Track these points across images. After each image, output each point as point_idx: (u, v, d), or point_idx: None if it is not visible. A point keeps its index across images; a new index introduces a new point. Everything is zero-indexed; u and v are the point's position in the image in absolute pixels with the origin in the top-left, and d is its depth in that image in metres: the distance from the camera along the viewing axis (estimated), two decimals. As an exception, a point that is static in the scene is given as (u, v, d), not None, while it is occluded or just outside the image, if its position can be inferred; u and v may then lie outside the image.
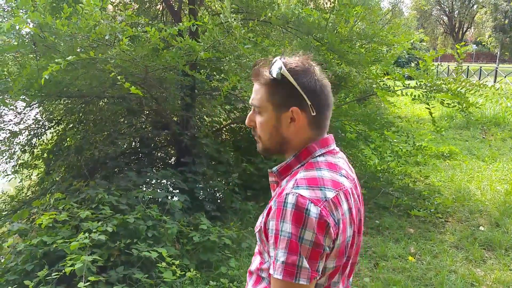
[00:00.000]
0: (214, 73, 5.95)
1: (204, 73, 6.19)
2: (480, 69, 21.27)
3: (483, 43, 38.31)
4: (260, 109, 1.10)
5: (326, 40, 5.13)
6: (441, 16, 39.51)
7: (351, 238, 1.03)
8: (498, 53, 31.42)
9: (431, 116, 4.95)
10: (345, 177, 1.06)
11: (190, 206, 4.40)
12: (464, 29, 38.24)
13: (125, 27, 3.07)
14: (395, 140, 5.22)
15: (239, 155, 5.38)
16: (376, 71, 5.74)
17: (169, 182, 4.53)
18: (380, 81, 5.39)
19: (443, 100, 4.88)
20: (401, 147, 5.56)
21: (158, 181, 4.46)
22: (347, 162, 1.16)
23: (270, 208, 1.02)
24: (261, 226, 1.06)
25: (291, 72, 1.04)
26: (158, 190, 4.13)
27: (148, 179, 4.42)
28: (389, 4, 27.84)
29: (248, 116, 1.16)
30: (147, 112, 5.52)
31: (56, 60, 2.67)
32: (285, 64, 1.05)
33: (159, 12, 6.68)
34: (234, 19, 2.99)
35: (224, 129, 6.55)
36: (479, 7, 35.27)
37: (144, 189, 4.35)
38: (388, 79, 5.77)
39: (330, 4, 6.72)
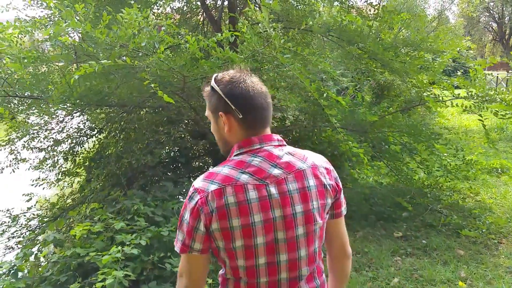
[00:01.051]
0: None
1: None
2: (534, 78, 20.08)
3: (537, 51, 36.28)
4: (208, 117, 1.32)
5: (369, 48, 4.91)
6: (490, 23, 37.79)
7: (245, 228, 1.14)
8: (554, 60, 29.54)
9: (484, 128, 4.62)
10: (250, 174, 1.18)
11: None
12: (515, 36, 36.36)
13: (164, 36, 3.02)
14: (445, 154, 4.89)
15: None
16: (423, 80, 5.44)
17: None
18: (429, 91, 5.10)
19: (497, 111, 4.54)
20: (449, 161, 5.21)
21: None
22: (276, 160, 1.22)
23: None
24: None
25: (217, 82, 1.25)
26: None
27: (184, 190, 4.36)
28: (435, 11, 26.90)
29: None
30: (186, 121, 5.49)
31: (89, 62, 2.64)
32: (215, 77, 1.27)
33: (200, 22, 6.69)
34: (273, 29, 2.88)
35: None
36: (532, 12, 33.52)
37: (181, 199, 4.30)
38: (435, 88, 5.45)
39: (374, 11, 6.48)
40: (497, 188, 6.14)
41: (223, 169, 1.19)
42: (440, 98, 5.30)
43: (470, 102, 4.67)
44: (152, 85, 2.84)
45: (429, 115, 11.48)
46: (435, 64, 5.46)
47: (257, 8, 5.48)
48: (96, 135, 6.15)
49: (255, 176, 1.18)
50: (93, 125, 6.08)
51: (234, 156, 1.24)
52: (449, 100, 4.94)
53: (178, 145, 5.38)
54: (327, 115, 5.83)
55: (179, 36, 4.84)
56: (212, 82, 1.25)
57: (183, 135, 5.71)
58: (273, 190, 1.18)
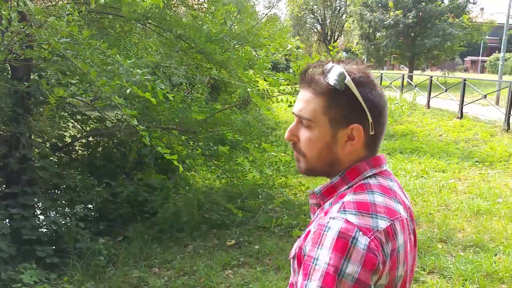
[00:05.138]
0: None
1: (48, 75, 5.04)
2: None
3: (353, 50, 41.65)
4: (310, 123, 0.90)
5: (193, 42, 4.47)
6: (315, 24, 41.85)
7: (402, 279, 0.85)
8: (365, 59, 34.26)
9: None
10: (401, 204, 0.89)
11: (15, 254, 3.32)
12: (336, 37, 41.05)
13: None
14: (273, 154, 4.72)
15: (90, 178, 4.37)
16: (251, 75, 5.23)
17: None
18: (255, 87, 4.89)
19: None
20: (280, 158, 5.08)
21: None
22: (401, 187, 0.97)
23: (309, 232, 0.85)
24: (295, 252, 0.88)
25: (356, 83, 0.86)
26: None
27: None
28: (265, 8, 28.42)
29: (289, 129, 0.94)
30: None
31: None
32: (348, 73, 0.86)
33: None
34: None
35: (78, 144, 5.44)
36: (347, 16, 38.07)
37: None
38: (262, 84, 5.32)
39: (199, 0, 6.08)
40: (325, 179, 6.33)
41: (375, 197, 0.85)
42: (268, 94, 5.19)
43: (295, 97, 4.61)
44: None
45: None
46: (259, 59, 5.32)
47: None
48: None
49: (404, 208, 0.90)
50: None
51: (368, 178, 0.88)
52: (276, 96, 4.86)
53: None
54: (157, 114, 5.20)
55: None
56: (348, 79, 0.85)
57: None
58: (410, 227, 0.92)
